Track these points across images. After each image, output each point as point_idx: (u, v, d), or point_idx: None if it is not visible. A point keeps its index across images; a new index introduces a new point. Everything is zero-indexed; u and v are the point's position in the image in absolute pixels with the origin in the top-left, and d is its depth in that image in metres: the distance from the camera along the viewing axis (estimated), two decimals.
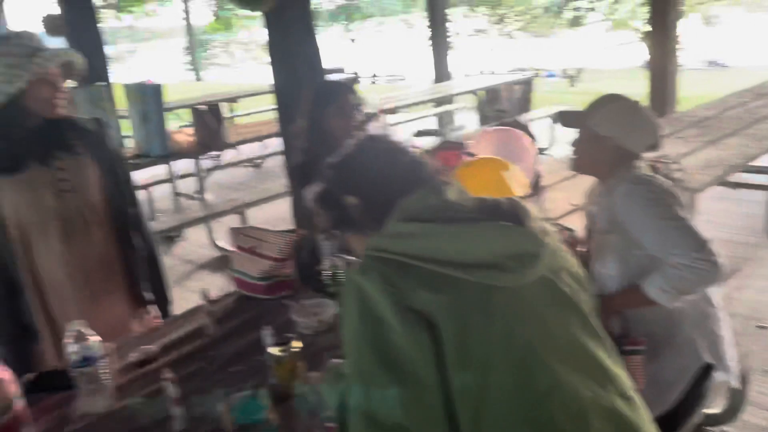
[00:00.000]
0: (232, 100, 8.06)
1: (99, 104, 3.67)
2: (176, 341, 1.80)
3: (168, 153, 4.24)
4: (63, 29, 4.82)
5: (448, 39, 8.24)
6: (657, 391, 1.65)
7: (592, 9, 20.29)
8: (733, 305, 2.53)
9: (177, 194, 5.48)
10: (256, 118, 7.45)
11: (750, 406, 2.37)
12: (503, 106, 7.25)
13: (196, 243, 4.97)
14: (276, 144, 5.46)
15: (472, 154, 2.59)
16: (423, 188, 1.14)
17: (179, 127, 5.82)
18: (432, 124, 7.89)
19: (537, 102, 7.68)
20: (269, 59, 3.65)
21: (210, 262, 4.62)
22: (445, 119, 7.79)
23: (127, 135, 4.30)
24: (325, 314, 1.79)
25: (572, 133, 1.85)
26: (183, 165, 5.34)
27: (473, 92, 7.42)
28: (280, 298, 1.98)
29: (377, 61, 19.48)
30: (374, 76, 17.03)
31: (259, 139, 5.44)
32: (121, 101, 4.18)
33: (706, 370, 1.70)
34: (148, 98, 4.02)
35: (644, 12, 6.85)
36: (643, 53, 6.96)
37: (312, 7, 3.72)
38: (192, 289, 4.02)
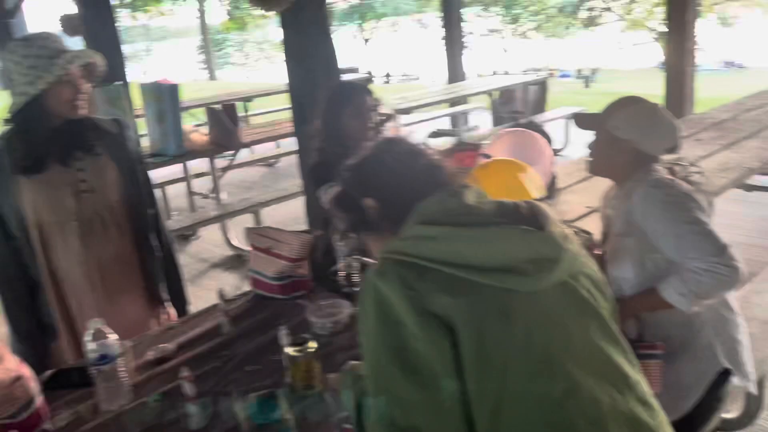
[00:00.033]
0: (248, 99, 8.07)
1: (116, 103, 3.69)
2: (193, 340, 1.81)
3: (183, 152, 4.27)
4: (80, 29, 4.85)
5: (462, 39, 8.22)
6: (674, 395, 1.64)
7: (608, 9, 20.13)
8: (750, 309, 2.51)
9: (191, 193, 5.51)
10: (270, 118, 7.47)
11: (767, 412, 2.34)
12: (518, 107, 7.23)
13: (210, 242, 5.01)
14: (290, 144, 5.48)
15: (488, 156, 2.58)
16: (441, 191, 1.14)
17: (194, 126, 5.84)
18: (445, 124, 7.87)
19: (551, 102, 7.64)
20: (284, 59, 3.66)
21: (224, 261, 4.66)
22: (458, 119, 7.77)
23: (143, 134, 4.32)
24: (340, 315, 1.79)
25: (588, 135, 1.83)
26: (197, 164, 5.37)
27: (487, 92, 7.39)
28: (296, 298, 1.98)
29: (391, 60, 19.48)
30: (388, 75, 17.02)
31: (274, 138, 5.45)
32: (136, 100, 4.21)
33: (724, 375, 1.69)
34: (164, 98, 4.04)
35: (660, 12, 6.79)
36: (658, 53, 6.90)
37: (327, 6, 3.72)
38: (206, 287, 4.05)
